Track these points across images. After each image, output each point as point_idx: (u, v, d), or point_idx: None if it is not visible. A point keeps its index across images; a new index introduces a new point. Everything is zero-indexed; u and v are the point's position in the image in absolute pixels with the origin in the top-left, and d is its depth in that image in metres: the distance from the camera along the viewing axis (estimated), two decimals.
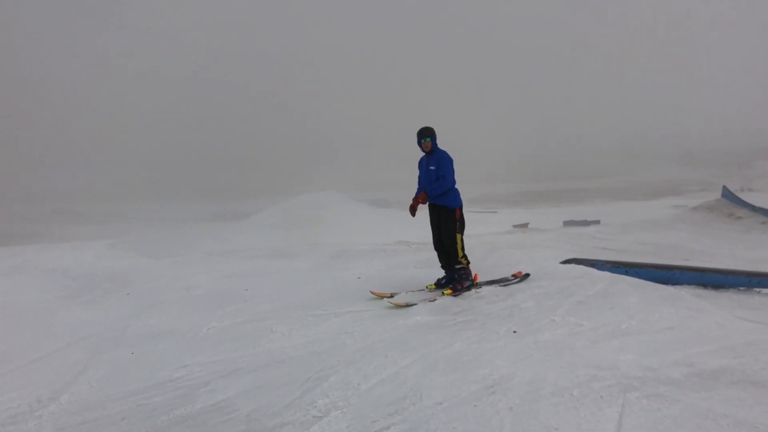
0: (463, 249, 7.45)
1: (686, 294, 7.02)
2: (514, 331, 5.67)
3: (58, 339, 6.45)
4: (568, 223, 30.69)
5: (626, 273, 8.33)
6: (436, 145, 7.47)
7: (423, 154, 7.58)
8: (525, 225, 31.06)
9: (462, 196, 7.54)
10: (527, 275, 7.84)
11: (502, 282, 7.67)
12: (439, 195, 7.37)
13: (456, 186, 7.48)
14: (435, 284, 7.62)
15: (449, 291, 7.31)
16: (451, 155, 7.46)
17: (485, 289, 7.43)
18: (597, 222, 29.58)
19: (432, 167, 7.41)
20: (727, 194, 22.40)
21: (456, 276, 7.46)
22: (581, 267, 8.40)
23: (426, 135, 7.41)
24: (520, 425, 3.73)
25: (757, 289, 8.64)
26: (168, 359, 5.59)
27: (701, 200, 25.68)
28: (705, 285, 8.69)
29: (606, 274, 7.85)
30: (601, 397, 4.09)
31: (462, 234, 7.49)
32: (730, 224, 19.98)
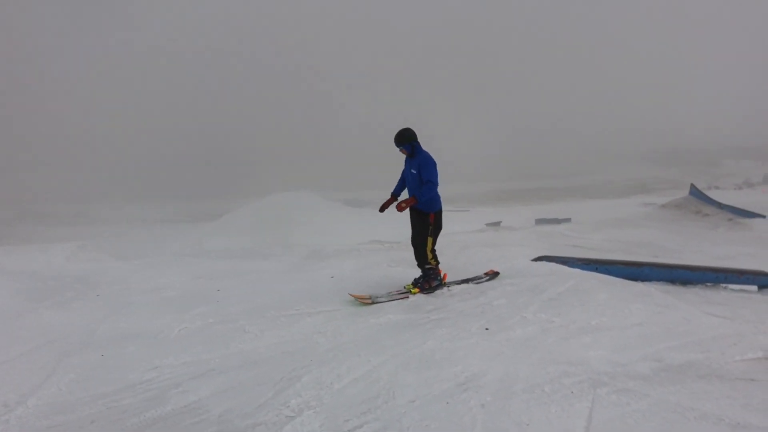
0: (432, 251, 7.46)
1: (655, 290, 7.13)
2: (486, 329, 5.70)
3: (25, 342, 6.31)
4: (540, 221, 31.01)
5: (596, 270, 8.43)
6: (417, 147, 7.29)
7: None
8: (497, 223, 31.29)
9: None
10: (497, 273, 7.90)
11: (473, 280, 7.72)
12: (427, 201, 7.31)
13: (437, 190, 7.44)
14: (412, 284, 7.61)
15: (416, 290, 7.34)
16: (434, 157, 7.32)
17: (457, 287, 7.47)
18: (568, 220, 29.92)
19: (414, 171, 7.29)
20: (695, 192, 22.78)
21: (425, 276, 7.48)
22: (552, 264, 8.48)
23: (400, 143, 7.27)
24: (492, 422, 3.76)
25: (724, 285, 8.80)
26: (138, 361, 5.51)
27: (670, 198, 26.07)
28: (673, 281, 8.83)
29: (576, 271, 7.93)
30: (572, 392, 4.14)
31: (435, 237, 7.48)
32: (697, 221, 20.31)
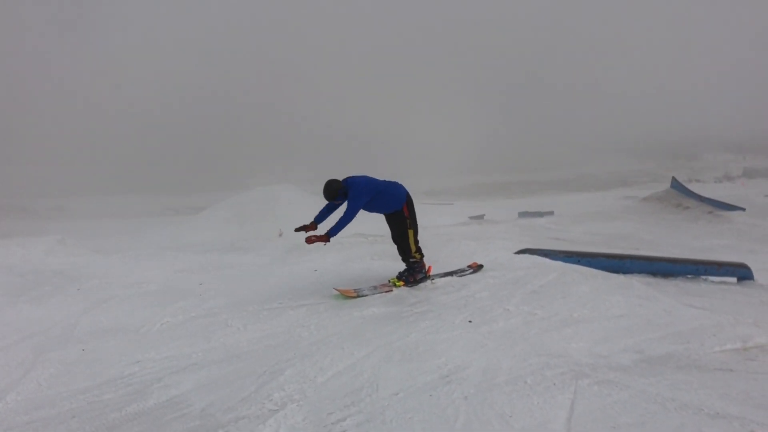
0: (416, 243, 7.42)
1: (636, 282, 7.19)
2: (469, 321, 5.72)
3: (3, 337, 6.22)
4: (522, 215, 31.16)
5: (578, 262, 8.49)
6: (348, 190, 7.09)
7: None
8: (481, 216, 31.39)
9: (420, 189, 7.47)
10: (481, 266, 7.91)
11: (456, 273, 7.73)
12: (390, 200, 7.28)
13: (397, 182, 7.37)
14: (397, 277, 7.60)
15: (401, 283, 7.33)
16: (364, 180, 7.16)
17: (440, 280, 7.47)
18: (550, 213, 30.14)
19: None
20: (676, 185, 22.99)
21: (409, 269, 7.47)
22: (534, 257, 8.52)
23: (333, 197, 7.10)
24: (474, 414, 3.77)
25: (704, 277, 8.91)
26: (120, 356, 5.46)
27: (650, 191, 26.30)
28: (655, 273, 8.91)
29: (559, 263, 7.97)
30: (554, 384, 4.16)
31: (415, 228, 7.44)
32: (678, 214, 20.53)
